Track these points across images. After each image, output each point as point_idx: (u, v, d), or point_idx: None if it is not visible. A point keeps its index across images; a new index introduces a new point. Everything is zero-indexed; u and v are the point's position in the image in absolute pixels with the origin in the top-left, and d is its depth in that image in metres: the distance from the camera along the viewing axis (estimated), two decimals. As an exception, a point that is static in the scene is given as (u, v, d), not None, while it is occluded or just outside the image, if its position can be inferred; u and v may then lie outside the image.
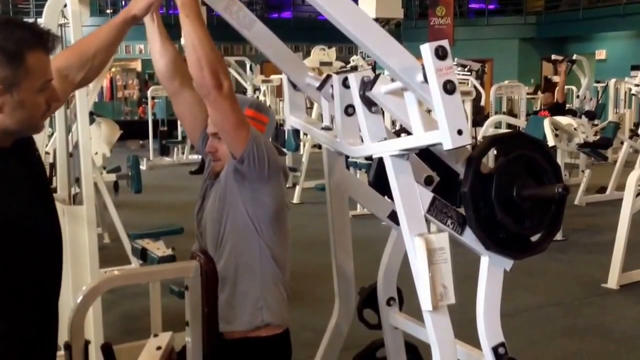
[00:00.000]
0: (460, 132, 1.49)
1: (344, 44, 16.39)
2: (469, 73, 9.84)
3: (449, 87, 1.45)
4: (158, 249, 3.58)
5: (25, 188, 1.53)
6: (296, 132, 2.40)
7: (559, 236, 5.34)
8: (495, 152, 1.85)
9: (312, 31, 15.88)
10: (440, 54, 1.44)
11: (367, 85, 1.73)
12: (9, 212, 1.45)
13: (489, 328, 1.87)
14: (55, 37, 1.50)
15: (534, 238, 1.86)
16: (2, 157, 1.47)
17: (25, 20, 1.55)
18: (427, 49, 1.44)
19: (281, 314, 2.06)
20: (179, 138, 11.87)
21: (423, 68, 1.47)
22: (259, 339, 2.02)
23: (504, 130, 8.31)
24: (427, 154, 1.87)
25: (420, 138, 1.62)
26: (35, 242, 1.55)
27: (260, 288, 2.02)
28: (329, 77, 2.03)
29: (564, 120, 6.43)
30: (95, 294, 1.82)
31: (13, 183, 1.49)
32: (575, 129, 6.15)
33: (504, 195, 1.76)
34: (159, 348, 1.95)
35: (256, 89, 10.71)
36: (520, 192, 1.77)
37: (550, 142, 5.98)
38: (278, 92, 11.38)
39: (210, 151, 2.04)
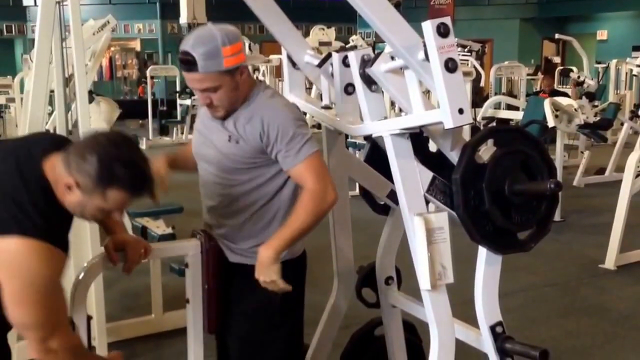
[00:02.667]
0: (461, 111, 1.49)
1: (343, 24, 16.29)
2: (469, 53, 9.79)
3: (450, 65, 1.45)
4: (158, 227, 3.60)
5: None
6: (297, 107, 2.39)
7: (557, 217, 5.35)
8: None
9: (311, 11, 15.78)
10: (442, 32, 1.43)
11: (367, 63, 1.72)
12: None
13: (487, 307, 1.88)
14: (149, 192, 1.64)
15: (522, 236, 1.86)
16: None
17: (140, 156, 1.65)
18: (428, 26, 1.43)
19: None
20: (178, 118, 11.82)
21: (424, 46, 1.46)
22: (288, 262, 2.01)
23: (503, 111, 8.27)
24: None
25: (420, 117, 1.62)
26: None
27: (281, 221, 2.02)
28: (329, 55, 2.01)
29: (564, 101, 6.40)
30: (96, 270, 1.83)
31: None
32: (575, 109, 6.12)
33: (495, 186, 1.75)
34: None
35: (255, 69, 10.65)
36: (512, 186, 1.76)
37: (550, 122, 5.96)
38: (277, 72, 11.32)
39: (206, 104, 1.95)
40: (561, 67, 11.05)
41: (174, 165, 2.17)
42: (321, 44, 8.96)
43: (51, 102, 3.78)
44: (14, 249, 1.48)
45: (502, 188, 1.77)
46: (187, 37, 1.88)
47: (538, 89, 10.68)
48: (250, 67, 10.37)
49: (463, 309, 1.98)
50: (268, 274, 1.86)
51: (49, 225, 1.55)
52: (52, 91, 3.31)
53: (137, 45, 19.18)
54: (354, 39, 10.08)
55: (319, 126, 2.58)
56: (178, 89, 12.08)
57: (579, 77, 9.98)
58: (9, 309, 1.52)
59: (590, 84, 9.71)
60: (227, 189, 2.02)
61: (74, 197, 1.58)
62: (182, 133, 11.68)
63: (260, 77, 10.58)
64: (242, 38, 1.96)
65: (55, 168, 1.59)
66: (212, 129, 2.03)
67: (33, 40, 3.30)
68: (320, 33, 9.56)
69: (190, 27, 12.38)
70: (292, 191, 2.02)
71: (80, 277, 1.76)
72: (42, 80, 3.01)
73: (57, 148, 1.63)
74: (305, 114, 2.26)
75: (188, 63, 1.84)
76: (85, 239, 3.08)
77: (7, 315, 1.57)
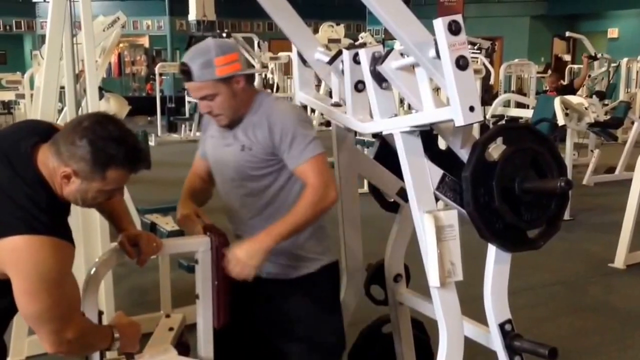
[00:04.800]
0: (472, 109, 1.48)
1: (352, 21, 16.28)
2: (478, 51, 9.76)
3: (461, 63, 1.44)
4: (167, 223, 3.60)
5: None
6: (303, 108, 2.40)
7: (566, 215, 5.33)
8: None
9: (320, 8, 15.77)
10: (454, 29, 1.43)
11: (378, 60, 1.72)
12: None
13: (496, 305, 1.88)
14: (145, 163, 1.64)
15: (532, 234, 1.85)
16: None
17: (128, 130, 1.63)
18: (440, 24, 1.42)
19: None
20: (187, 115, 11.84)
21: (435, 43, 1.46)
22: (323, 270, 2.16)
23: (513, 109, 8.23)
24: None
25: (431, 114, 1.61)
26: None
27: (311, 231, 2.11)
28: (340, 52, 2.01)
29: (574, 99, 6.37)
30: (107, 265, 1.84)
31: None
32: (586, 108, 6.09)
33: (505, 184, 1.75)
34: (171, 329, 1.97)
35: (264, 66, 10.66)
36: (522, 184, 1.76)
37: (561, 121, 5.94)
38: (286, 69, 11.32)
39: (206, 112, 2.04)
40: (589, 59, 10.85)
41: (197, 203, 2.17)
42: (330, 41, 8.94)
43: (62, 99, 3.80)
44: (22, 247, 1.48)
45: (512, 186, 1.76)
46: (187, 51, 2.01)
47: (547, 88, 10.64)
48: (259, 65, 10.43)
49: (472, 306, 1.98)
50: (251, 258, 1.89)
51: (53, 220, 1.55)
52: (62, 87, 3.32)
53: (145, 42, 19.25)
54: (364, 36, 10.06)
55: (328, 124, 2.58)
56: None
57: (589, 75, 9.91)
58: (23, 305, 1.52)
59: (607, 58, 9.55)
60: (248, 197, 2.08)
61: (73, 186, 1.57)
62: (190, 130, 11.71)
63: (270, 75, 10.57)
64: (239, 50, 2.05)
65: (48, 161, 1.57)
66: (225, 139, 2.10)
67: (42, 36, 3.32)
68: (330, 30, 9.54)
69: (199, 24, 12.42)
70: None
71: (92, 272, 1.77)
72: (52, 76, 3.02)
73: (45, 139, 1.61)
74: (314, 111, 2.27)
75: (186, 73, 1.96)
76: (95, 235, 3.10)
77: (11, 313, 1.59)
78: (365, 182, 2.33)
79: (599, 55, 10.83)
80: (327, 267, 2.17)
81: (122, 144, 1.56)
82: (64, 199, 1.62)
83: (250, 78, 2.04)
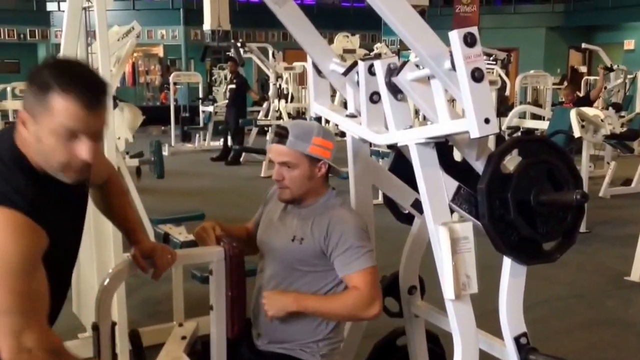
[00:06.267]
0: (487, 121, 1.47)
1: (367, 32, 16.32)
2: (494, 62, 9.73)
3: (477, 75, 1.44)
4: (180, 234, 3.61)
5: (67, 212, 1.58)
6: (317, 120, 2.41)
7: (582, 228, 5.27)
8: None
9: (335, 18, 15.85)
10: (469, 41, 1.42)
11: (393, 72, 1.72)
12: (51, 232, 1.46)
13: (511, 318, 1.86)
14: (84, 85, 1.43)
15: (548, 246, 1.84)
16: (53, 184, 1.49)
17: (91, 68, 1.56)
18: (455, 36, 1.42)
19: None
20: (201, 124, 11.90)
21: (451, 55, 1.46)
22: None
23: (528, 120, 8.19)
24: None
25: (446, 126, 1.60)
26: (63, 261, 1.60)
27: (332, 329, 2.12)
28: (355, 63, 2.01)
29: (590, 111, 6.32)
30: (120, 277, 1.84)
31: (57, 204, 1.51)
32: (602, 120, 6.05)
33: (520, 196, 1.73)
34: (183, 338, 1.97)
35: (279, 77, 10.70)
36: (537, 196, 1.74)
37: (577, 133, 5.89)
38: (300, 79, 11.35)
39: (277, 179, 2.07)
40: (605, 71, 10.76)
41: (226, 231, 2.18)
42: (345, 51, 8.96)
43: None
44: None
45: (527, 198, 1.75)
46: (291, 121, 2.04)
47: (563, 99, 10.58)
48: (273, 75, 10.47)
49: (487, 319, 1.96)
50: (276, 308, 1.98)
51: (29, 199, 1.39)
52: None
53: (160, 51, 19.39)
54: (379, 47, 10.06)
55: (342, 134, 2.58)
56: (201, 95, 12.17)
57: (605, 87, 9.84)
58: None
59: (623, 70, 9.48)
60: (284, 286, 2.09)
61: (30, 134, 1.42)
62: (204, 140, 11.77)
63: (284, 85, 10.60)
64: (335, 142, 2.11)
65: (19, 129, 1.46)
66: (280, 221, 2.14)
67: (56, 45, 3.36)
68: (345, 40, 9.55)
69: (214, 33, 12.49)
70: None
71: (105, 283, 1.77)
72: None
73: None
74: (328, 121, 2.28)
75: (280, 135, 2.03)
76: (108, 246, 3.10)
77: None
78: (380, 193, 2.32)
79: (615, 67, 10.76)
80: None
81: (57, 68, 1.44)
82: (56, 188, 1.47)
83: (329, 172, 2.11)
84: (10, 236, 1.30)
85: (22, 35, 18.22)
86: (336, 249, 2.00)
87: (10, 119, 10.24)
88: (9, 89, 10.76)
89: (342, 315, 2.03)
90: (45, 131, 1.41)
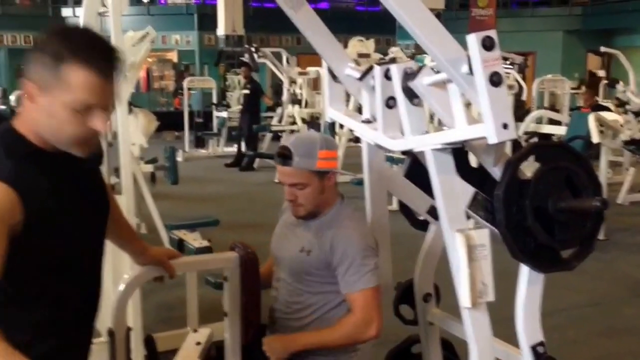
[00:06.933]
0: (505, 126, 1.45)
1: (381, 36, 16.28)
2: (511, 66, 9.66)
3: (495, 79, 1.41)
4: (194, 240, 3.61)
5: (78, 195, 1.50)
6: (331, 126, 2.40)
7: (600, 235, 5.21)
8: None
9: (349, 22, 15.81)
10: (488, 45, 1.40)
11: (409, 76, 1.70)
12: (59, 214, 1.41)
13: (528, 326, 1.82)
14: (108, 57, 1.37)
15: (566, 254, 1.80)
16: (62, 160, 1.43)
17: (102, 35, 1.44)
18: (473, 39, 1.40)
19: None
20: (215, 130, 11.92)
21: (469, 59, 1.43)
22: None
23: (545, 125, 8.12)
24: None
25: (463, 131, 1.58)
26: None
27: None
28: (371, 68, 2.00)
29: (609, 116, 6.26)
30: (136, 283, 1.84)
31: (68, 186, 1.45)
32: (621, 125, 5.98)
33: (538, 203, 1.70)
34: (198, 344, 1.97)
35: (292, 82, 10.69)
36: (556, 202, 1.71)
37: (595, 138, 5.83)
38: (314, 85, 11.34)
39: (290, 199, 2.06)
40: (606, 81, 10.68)
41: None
42: (360, 55, 8.91)
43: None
44: None
45: (545, 205, 1.72)
46: (289, 136, 2.08)
47: (582, 104, 10.47)
48: (287, 80, 10.47)
49: (503, 326, 1.93)
50: (272, 352, 1.97)
51: (9, 168, 1.33)
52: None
53: (174, 56, 19.47)
54: (394, 51, 10.02)
55: (357, 140, 2.56)
56: (215, 101, 12.19)
57: (624, 92, 9.70)
58: None
59: (637, 102, 9.44)
60: (294, 296, 2.10)
61: (39, 108, 1.34)
62: (217, 145, 11.78)
63: (298, 90, 10.61)
64: (337, 147, 2.15)
65: (21, 104, 1.38)
66: (291, 232, 2.14)
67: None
68: (359, 44, 9.52)
69: (228, 38, 12.53)
70: None
71: (121, 289, 1.76)
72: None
73: None
74: (342, 126, 2.27)
75: (284, 156, 2.00)
76: (124, 255, 3.10)
77: None
78: (395, 199, 2.31)
79: (620, 84, 10.48)
80: None
81: (74, 36, 1.35)
82: (58, 155, 1.39)
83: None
84: None
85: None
86: (340, 266, 2.01)
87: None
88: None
89: (342, 343, 2.04)
90: (58, 104, 1.33)
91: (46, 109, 1.34)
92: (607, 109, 8.80)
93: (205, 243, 3.52)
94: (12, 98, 11.03)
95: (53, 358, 1.43)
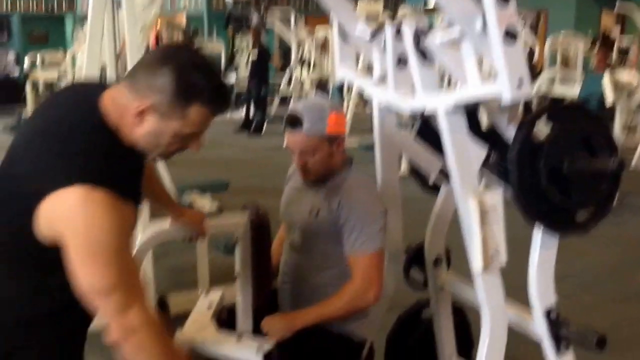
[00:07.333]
0: (520, 85, 1.41)
1: (391, -3, 16.00)
2: (522, 24, 9.44)
3: (510, 35, 1.36)
4: (205, 202, 3.60)
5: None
6: (339, 90, 2.36)
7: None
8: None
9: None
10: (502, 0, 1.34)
11: (421, 35, 1.64)
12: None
13: (541, 291, 1.80)
14: (228, 105, 1.44)
15: (581, 218, 1.76)
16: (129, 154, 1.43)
17: (214, 64, 1.46)
18: (488, -7, 1.34)
19: None
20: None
21: (483, 14, 1.38)
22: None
23: (558, 86, 7.98)
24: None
25: (476, 90, 1.54)
26: None
27: None
28: (382, 26, 1.94)
29: (624, 76, 6.13)
30: (148, 245, 1.83)
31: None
32: (636, 86, 5.87)
33: (553, 165, 1.66)
34: (209, 306, 1.96)
35: (300, 44, 10.55)
36: (571, 164, 1.67)
37: (609, 99, 5.72)
38: (323, 47, 11.18)
39: (300, 166, 2.04)
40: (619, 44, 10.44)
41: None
42: (369, 15, 8.75)
43: (101, 76, 3.82)
44: (75, 201, 1.22)
45: (560, 166, 1.68)
46: (297, 102, 2.06)
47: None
48: (295, 42, 10.33)
49: (515, 295, 1.91)
50: (274, 332, 1.94)
51: (115, 173, 1.30)
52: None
53: (183, 20, 19.27)
54: (403, 11, 9.84)
55: (365, 104, 2.51)
56: (223, 64, 12.08)
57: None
58: (76, 273, 1.24)
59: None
60: (306, 259, 2.09)
61: (147, 125, 1.33)
62: (227, 109, 11.69)
63: (305, 52, 10.47)
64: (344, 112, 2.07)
65: (118, 99, 1.34)
66: (300, 195, 2.14)
67: (83, 17, 3.35)
68: (368, 5, 9.34)
69: (236, 3, 12.35)
70: None
71: (134, 252, 1.75)
72: (94, 55, 3.04)
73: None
74: (350, 90, 2.23)
75: (295, 123, 1.98)
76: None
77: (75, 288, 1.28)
78: (404, 164, 2.27)
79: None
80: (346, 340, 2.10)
81: (210, 76, 1.34)
82: (135, 149, 1.38)
83: None
84: (104, 215, 1.24)
85: (50, 8, 18.36)
86: (345, 227, 2.00)
87: (40, 89, 10.34)
88: (39, 59, 10.82)
89: (344, 313, 2.03)
90: (169, 132, 1.35)
91: (154, 130, 1.34)
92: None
93: (216, 205, 3.51)
94: (26, 62, 11.03)
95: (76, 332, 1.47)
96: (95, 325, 1.44)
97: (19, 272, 1.34)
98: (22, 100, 10.89)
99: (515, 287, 1.86)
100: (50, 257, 1.27)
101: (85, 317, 1.42)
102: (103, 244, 1.23)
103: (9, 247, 1.33)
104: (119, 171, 1.32)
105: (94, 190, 1.23)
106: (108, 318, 1.27)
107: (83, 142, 1.31)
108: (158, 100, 1.31)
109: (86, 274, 1.23)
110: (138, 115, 1.33)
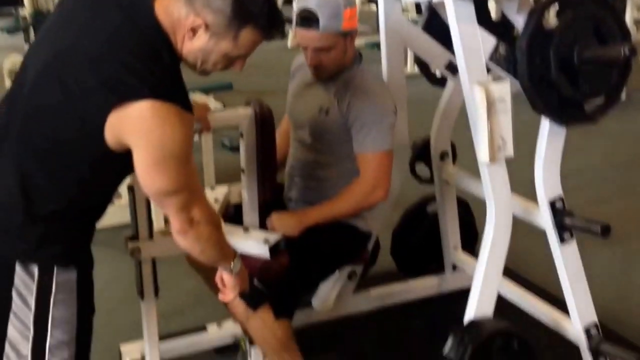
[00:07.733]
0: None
1: None
2: None
3: None
4: (209, 103, 3.59)
5: None
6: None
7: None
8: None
9: None
10: None
11: None
12: None
13: (547, 182, 1.81)
14: (281, 33, 1.44)
15: (589, 108, 1.74)
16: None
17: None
18: None
19: None
20: None
21: None
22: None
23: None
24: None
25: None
26: None
27: None
28: None
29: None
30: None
31: None
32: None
33: (563, 53, 1.63)
34: (215, 200, 1.97)
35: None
36: (581, 52, 1.64)
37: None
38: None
39: (314, 64, 1.98)
40: None
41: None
42: None
43: None
44: (146, 113, 1.28)
45: (570, 55, 1.64)
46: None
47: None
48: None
49: (521, 189, 1.91)
50: (283, 229, 1.93)
51: (178, 85, 1.36)
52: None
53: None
54: None
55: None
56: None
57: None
58: (144, 178, 1.35)
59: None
60: (314, 155, 2.08)
61: (199, 42, 1.36)
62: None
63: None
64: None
65: (172, 9, 1.34)
66: (307, 93, 2.09)
67: None
68: None
69: None
70: None
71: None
72: None
73: None
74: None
75: (309, 20, 1.89)
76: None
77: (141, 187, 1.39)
78: (410, 62, 2.22)
79: None
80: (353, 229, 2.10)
81: (266, 2, 1.37)
82: (181, 59, 1.41)
83: None
84: (172, 127, 1.31)
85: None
86: (354, 125, 1.97)
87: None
88: None
89: (352, 211, 2.03)
90: (219, 50, 1.38)
91: (205, 47, 1.37)
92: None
93: (219, 106, 3.50)
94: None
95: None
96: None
97: (72, 166, 1.39)
98: (19, 2, 10.63)
99: (522, 182, 1.87)
100: (109, 157, 1.35)
101: (100, 215, 1.53)
102: (174, 152, 1.33)
103: (71, 139, 1.36)
104: (180, 83, 1.37)
105: (165, 103, 1.29)
106: (173, 214, 1.40)
107: (148, 54, 1.32)
108: (212, 20, 1.33)
109: (158, 178, 1.34)
110: (191, 31, 1.35)
